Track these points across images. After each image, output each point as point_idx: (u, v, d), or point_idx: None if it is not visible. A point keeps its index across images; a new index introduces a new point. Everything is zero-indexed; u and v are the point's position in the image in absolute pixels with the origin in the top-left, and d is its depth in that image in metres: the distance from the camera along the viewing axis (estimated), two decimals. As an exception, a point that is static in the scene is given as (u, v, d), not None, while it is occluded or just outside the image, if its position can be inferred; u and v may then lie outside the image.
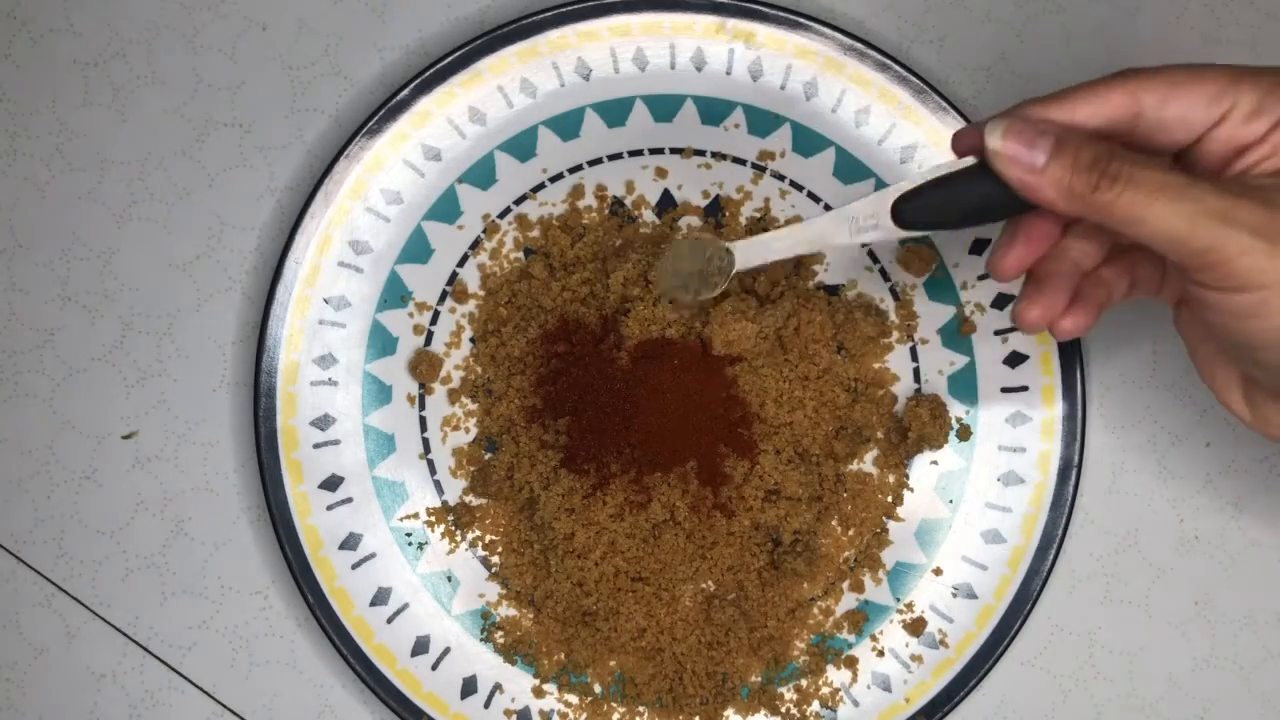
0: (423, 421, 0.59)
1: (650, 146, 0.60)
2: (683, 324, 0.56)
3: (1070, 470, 0.58)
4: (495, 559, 0.59)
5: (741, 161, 0.60)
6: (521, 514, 0.58)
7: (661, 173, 0.60)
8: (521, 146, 0.60)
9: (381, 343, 0.59)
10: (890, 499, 0.59)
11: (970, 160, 0.46)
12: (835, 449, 0.58)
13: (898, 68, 0.58)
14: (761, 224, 0.59)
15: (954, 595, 0.58)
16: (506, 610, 0.59)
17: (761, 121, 0.60)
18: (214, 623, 0.59)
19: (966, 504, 0.59)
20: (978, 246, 0.59)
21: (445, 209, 0.59)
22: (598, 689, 0.58)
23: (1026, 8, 0.61)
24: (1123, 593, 0.60)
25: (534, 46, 0.59)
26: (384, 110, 0.58)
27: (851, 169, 0.59)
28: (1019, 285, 0.50)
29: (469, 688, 0.58)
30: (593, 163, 0.60)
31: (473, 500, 0.59)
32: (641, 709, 0.58)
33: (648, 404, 0.56)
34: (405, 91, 0.58)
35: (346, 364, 0.59)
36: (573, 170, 0.60)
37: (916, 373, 0.59)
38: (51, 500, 0.60)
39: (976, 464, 0.59)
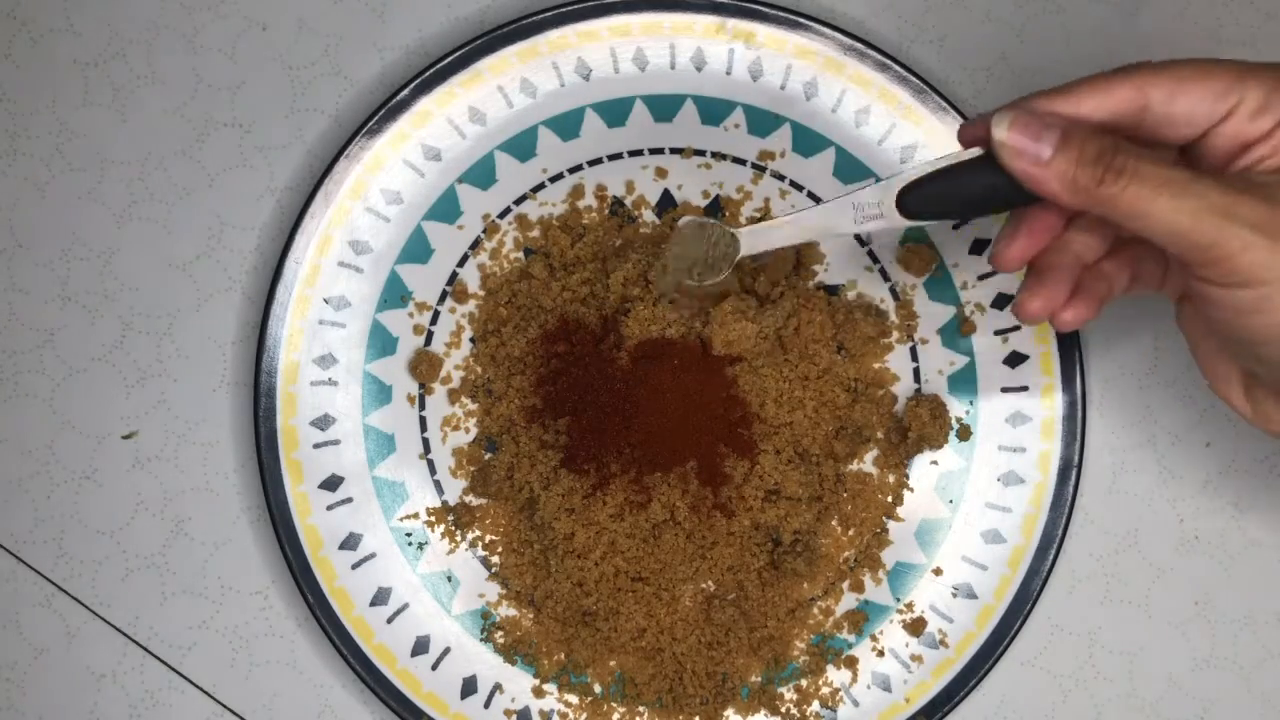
0: (423, 421, 0.59)
1: (650, 146, 0.60)
2: (683, 324, 0.56)
3: (1070, 470, 0.58)
4: (495, 559, 0.59)
5: (741, 161, 0.60)
6: (521, 514, 0.58)
7: (661, 173, 0.60)
8: (521, 146, 0.60)
9: (381, 343, 0.59)
10: (890, 499, 0.59)
11: (976, 151, 0.46)
12: (835, 449, 0.58)
13: (898, 68, 0.58)
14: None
15: (954, 595, 0.58)
16: (506, 610, 0.59)
17: (761, 121, 0.60)
18: (214, 623, 0.59)
19: (966, 504, 0.59)
20: (978, 247, 0.59)
21: (445, 209, 0.59)
22: (598, 689, 0.58)
23: (1026, 8, 0.61)
24: (1123, 593, 0.59)
25: (534, 46, 0.59)
26: (384, 110, 0.58)
27: (851, 169, 0.59)
28: (1019, 286, 0.50)
29: (469, 688, 0.58)
30: (593, 163, 0.60)
31: (473, 500, 0.59)
32: (641, 709, 0.58)
33: (648, 404, 0.56)
34: (405, 91, 0.58)
35: (346, 364, 0.59)
36: (573, 170, 0.60)
37: (916, 373, 0.59)
38: (51, 500, 0.60)
39: (976, 464, 0.59)
